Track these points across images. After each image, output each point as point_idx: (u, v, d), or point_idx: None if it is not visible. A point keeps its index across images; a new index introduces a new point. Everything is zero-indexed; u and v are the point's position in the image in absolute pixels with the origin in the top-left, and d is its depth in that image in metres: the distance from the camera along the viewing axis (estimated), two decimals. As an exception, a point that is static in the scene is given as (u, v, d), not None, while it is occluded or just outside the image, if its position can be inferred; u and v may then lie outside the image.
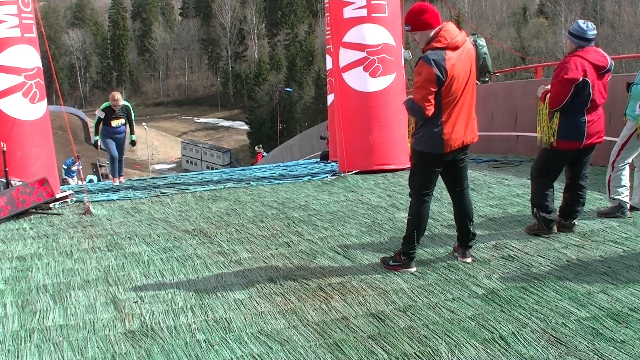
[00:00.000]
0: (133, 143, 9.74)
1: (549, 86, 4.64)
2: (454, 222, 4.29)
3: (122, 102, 9.25)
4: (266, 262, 4.48)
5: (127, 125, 9.38)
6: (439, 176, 4.11)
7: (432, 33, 3.80)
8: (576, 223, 4.80)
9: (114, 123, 9.13)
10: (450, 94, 3.78)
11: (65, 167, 16.59)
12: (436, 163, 3.97)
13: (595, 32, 4.52)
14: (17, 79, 6.64)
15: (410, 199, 4.12)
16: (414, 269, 4.08)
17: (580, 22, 4.56)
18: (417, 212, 4.05)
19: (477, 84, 5.68)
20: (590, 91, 4.41)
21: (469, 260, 4.20)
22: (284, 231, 5.38)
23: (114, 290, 4.01)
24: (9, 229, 5.86)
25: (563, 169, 4.71)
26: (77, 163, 16.88)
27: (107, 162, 11.18)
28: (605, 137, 4.74)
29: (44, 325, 3.47)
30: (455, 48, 3.76)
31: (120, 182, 9.28)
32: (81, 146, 59.82)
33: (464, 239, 4.23)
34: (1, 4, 6.56)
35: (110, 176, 9.85)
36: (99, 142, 9.36)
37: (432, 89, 3.73)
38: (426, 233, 4.95)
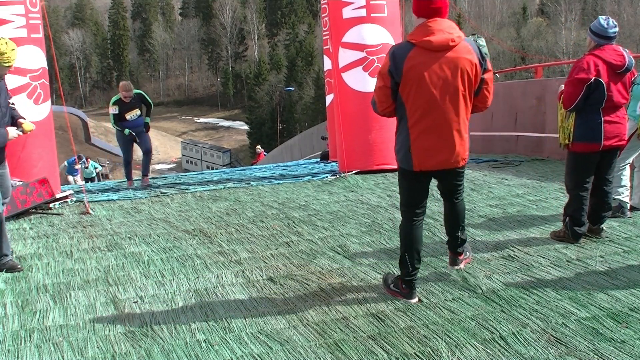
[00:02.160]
0: (147, 127, 8.36)
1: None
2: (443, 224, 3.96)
3: (134, 91, 8.19)
4: (266, 262, 4.48)
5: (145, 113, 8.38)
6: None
7: (420, 22, 3.36)
8: (604, 228, 4.68)
9: (129, 115, 8.13)
10: (415, 100, 3.32)
11: (67, 165, 16.50)
12: (414, 179, 3.54)
13: (616, 29, 4.38)
14: (22, 79, 6.62)
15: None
16: (414, 300, 3.58)
17: (602, 19, 4.42)
18: (406, 231, 3.61)
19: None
20: (605, 91, 4.30)
21: (461, 266, 3.96)
22: (284, 231, 5.38)
23: (114, 290, 4.01)
24: (9, 229, 5.84)
25: (593, 172, 4.52)
26: (79, 163, 16.80)
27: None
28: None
29: (44, 325, 3.47)
30: (428, 48, 3.27)
31: (146, 182, 8.47)
32: (81, 146, 59.90)
33: (453, 245, 3.92)
34: (8, 4, 6.52)
35: (125, 178, 8.78)
36: (132, 132, 8.19)
37: (385, 84, 3.37)
38: (426, 233, 4.96)
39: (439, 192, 3.88)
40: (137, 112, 8.19)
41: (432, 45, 3.28)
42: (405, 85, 3.33)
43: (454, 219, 3.81)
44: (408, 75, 3.30)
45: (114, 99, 8.24)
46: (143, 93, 8.38)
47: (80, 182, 15.85)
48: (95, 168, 18.44)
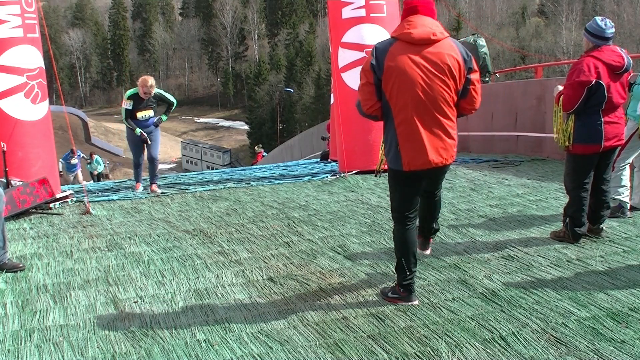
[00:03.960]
0: (158, 121, 7.57)
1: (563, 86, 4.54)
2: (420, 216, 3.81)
3: (156, 90, 7.37)
4: (266, 262, 4.48)
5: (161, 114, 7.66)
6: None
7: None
8: (604, 228, 4.69)
9: (141, 115, 7.33)
10: (399, 96, 3.24)
11: (64, 162, 16.16)
12: (405, 181, 3.44)
13: (613, 30, 4.38)
14: (19, 79, 6.62)
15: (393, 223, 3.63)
16: (415, 302, 3.55)
17: (598, 19, 4.41)
18: (400, 237, 3.53)
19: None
20: (605, 92, 4.29)
21: (428, 252, 4.03)
22: (284, 231, 5.38)
23: (114, 290, 4.01)
24: (9, 229, 5.84)
25: (592, 173, 4.53)
26: (75, 157, 16.49)
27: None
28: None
29: (44, 325, 3.47)
30: (408, 42, 3.21)
31: (153, 190, 7.61)
32: (81, 146, 59.87)
33: (425, 232, 3.87)
34: (4, 4, 6.54)
35: (134, 181, 8.06)
36: (143, 133, 7.38)
37: (368, 81, 3.29)
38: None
39: None
40: (151, 113, 7.45)
41: (413, 38, 3.22)
42: (388, 81, 3.24)
43: (432, 213, 3.78)
44: (390, 69, 3.22)
45: (130, 92, 7.39)
46: (163, 92, 7.59)
47: (81, 178, 15.74)
48: (99, 164, 18.19)
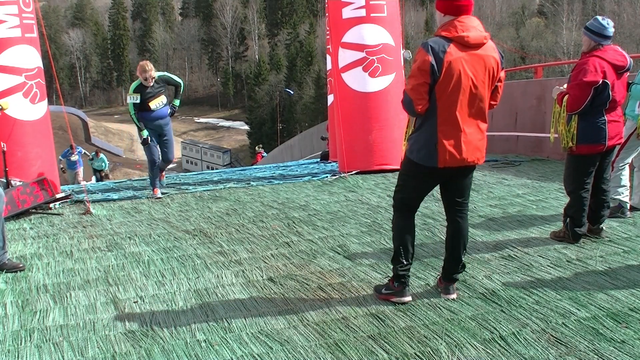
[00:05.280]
0: (173, 110, 7.19)
1: (564, 87, 4.53)
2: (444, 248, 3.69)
3: (156, 73, 6.82)
4: (266, 262, 4.48)
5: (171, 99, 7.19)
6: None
7: (448, 19, 3.32)
8: (604, 228, 4.69)
9: (153, 104, 6.82)
10: (449, 96, 3.27)
11: (63, 158, 15.86)
12: (429, 177, 3.46)
13: (613, 29, 4.39)
14: (17, 79, 6.63)
15: (393, 211, 3.60)
16: (408, 299, 3.53)
17: (599, 18, 4.42)
18: (401, 225, 3.52)
19: None
20: (610, 93, 4.29)
21: (454, 296, 3.60)
22: (284, 231, 5.38)
23: (114, 290, 4.01)
24: (9, 229, 5.85)
25: (593, 173, 4.52)
26: (75, 153, 16.28)
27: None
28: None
29: (44, 325, 3.47)
30: (464, 44, 3.26)
31: (155, 193, 7.25)
32: (81, 146, 59.84)
33: (451, 270, 3.61)
34: (2, 4, 6.54)
35: (150, 187, 7.45)
36: (148, 138, 6.95)
37: (425, 81, 3.25)
38: (426, 233, 4.97)
39: (441, 206, 3.70)
40: (163, 99, 6.93)
41: (469, 42, 3.26)
42: (443, 81, 3.26)
43: (461, 239, 3.57)
44: (448, 71, 3.24)
45: (134, 85, 6.87)
46: (167, 74, 7.13)
47: (81, 178, 15.66)
48: (103, 162, 18.13)
